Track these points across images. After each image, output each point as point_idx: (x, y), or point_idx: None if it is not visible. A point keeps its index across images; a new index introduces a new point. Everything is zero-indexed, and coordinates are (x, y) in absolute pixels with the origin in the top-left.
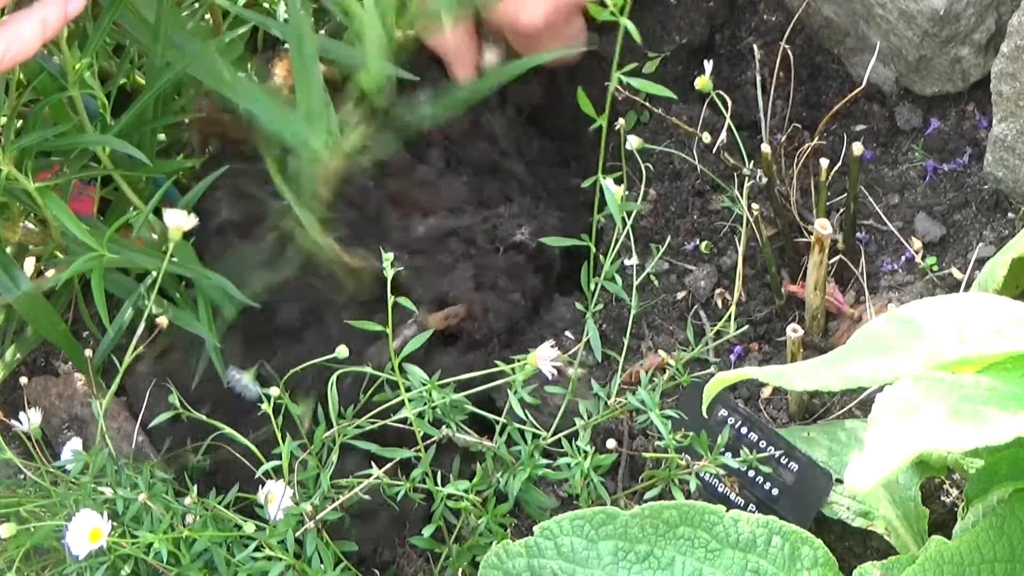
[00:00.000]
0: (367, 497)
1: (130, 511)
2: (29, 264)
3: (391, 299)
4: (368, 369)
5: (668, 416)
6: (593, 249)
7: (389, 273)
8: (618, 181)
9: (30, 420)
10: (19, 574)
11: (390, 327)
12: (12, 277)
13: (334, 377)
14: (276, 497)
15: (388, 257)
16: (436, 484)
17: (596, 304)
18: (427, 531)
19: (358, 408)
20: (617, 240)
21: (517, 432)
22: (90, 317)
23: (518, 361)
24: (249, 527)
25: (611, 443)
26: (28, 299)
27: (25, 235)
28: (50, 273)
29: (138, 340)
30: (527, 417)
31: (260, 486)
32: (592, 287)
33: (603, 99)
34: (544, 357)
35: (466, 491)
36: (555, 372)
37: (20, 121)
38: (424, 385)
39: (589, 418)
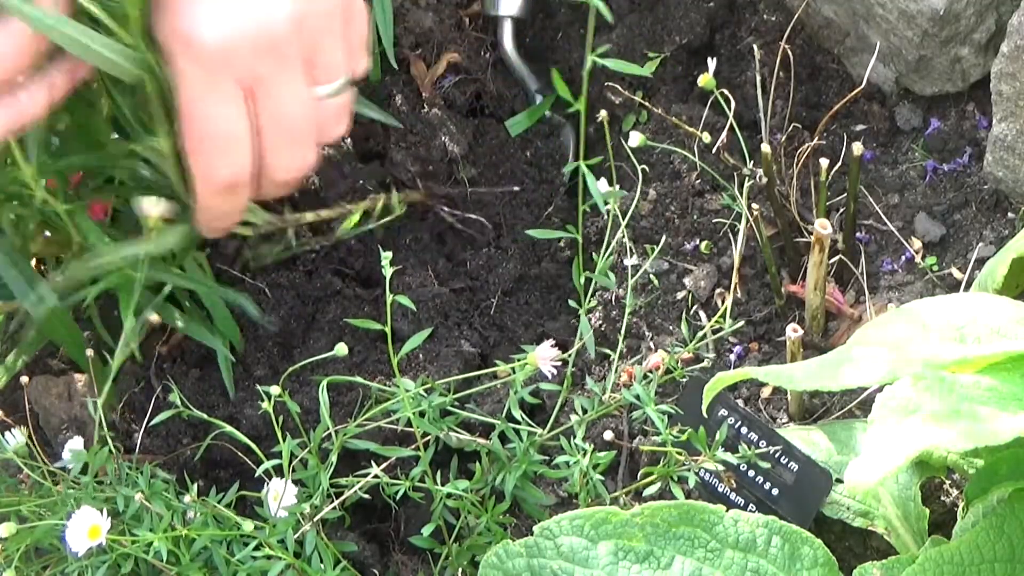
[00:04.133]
0: (367, 496)
1: (130, 510)
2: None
3: (390, 297)
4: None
5: (665, 412)
6: (579, 239)
7: (388, 272)
8: (609, 178)
9: (15, 439)
10: (19, 573)
11: (389, 325)
12: (37, 292)
13: (324, 382)
14: (278, 495)
15: (387, 256)
16: (435, 483)
17: (590, 302)
18: (427, 530)
19: (356, 408)
20: (606, 231)
21: (512, 431)
22: (103, 327)
23: (518, 360)
24: (248, 526)
25: (608, 435)
26: (53, 315)
27: (45, 244)
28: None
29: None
30: (521, 416)
31: (263, 484)
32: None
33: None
34: (544, 356)
35: (465, 490)
36: (554, 371)
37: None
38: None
39: (584, 414)
